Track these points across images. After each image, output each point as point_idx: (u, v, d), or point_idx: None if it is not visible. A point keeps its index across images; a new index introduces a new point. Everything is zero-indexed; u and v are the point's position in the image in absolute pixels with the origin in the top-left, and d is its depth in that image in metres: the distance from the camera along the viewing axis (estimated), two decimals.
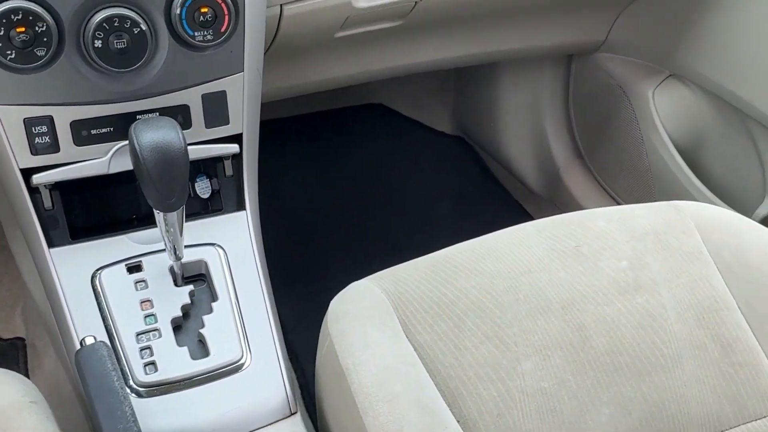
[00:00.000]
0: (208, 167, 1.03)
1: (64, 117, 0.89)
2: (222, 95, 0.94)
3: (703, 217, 0.99)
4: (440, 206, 1.91)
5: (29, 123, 0.88)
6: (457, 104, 2.10)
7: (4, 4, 0.80)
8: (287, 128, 2.03)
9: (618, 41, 1.56)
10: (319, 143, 2.04)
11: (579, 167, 1.81)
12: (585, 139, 1.79)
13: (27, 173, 0.91)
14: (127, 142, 0.85)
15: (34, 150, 0.89)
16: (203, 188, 1.02)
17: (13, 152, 0.89)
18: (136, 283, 0.94)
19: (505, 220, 1.90)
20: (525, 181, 1.90)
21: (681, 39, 1.45)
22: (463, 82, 2.04)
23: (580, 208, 1.74)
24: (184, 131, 0.91)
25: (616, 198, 1.72)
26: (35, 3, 0.81)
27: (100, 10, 0.84)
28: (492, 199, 1.96)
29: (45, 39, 0.82)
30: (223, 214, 1.02)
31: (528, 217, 1.89)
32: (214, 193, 1.03)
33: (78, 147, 0.91)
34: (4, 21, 0.80)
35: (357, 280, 0.93)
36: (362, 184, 1.95)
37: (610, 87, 1.63)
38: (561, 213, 1.78)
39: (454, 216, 1.88)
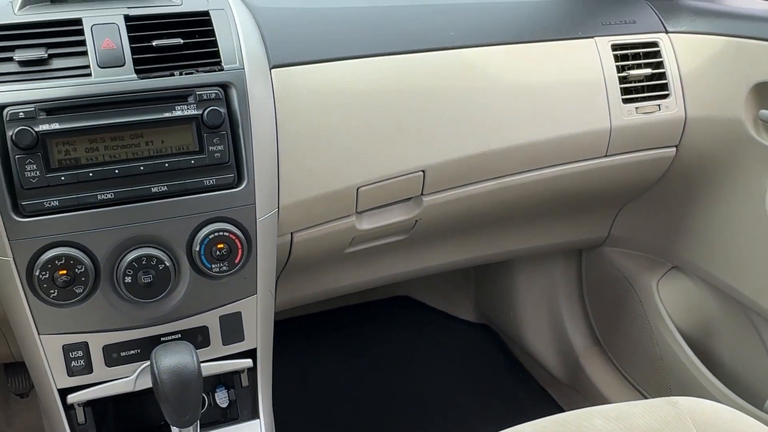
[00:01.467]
0: (227, 378, 1.11)
1: (97, 342, 0.98)
2: (237, 316, 1.03)
3: (701, 413, 1.00)
4: (467, 394, 1.93)
5: (67, 349, 0.97)
6: (479, 294, 2.16)
7: (48, 252, 0.90)
8: (317, 323, 2.11)
9: (620, 236, 1.63)
10: (347, 337, 2.10)
11: (598, 354, 1.83)
12: (601, 327, 1.82)
13: (63, 392, 1.00)
14: None
15: (70, 372, 0.98)
16: (222, 398, 1.11)
17: (52, 375, 0.98)
18: None
19: (530, 408, 1.91)
20: (547, 368, 1.92)
21: (677, 234, 1.51)
22: (482, 274, 2.12)
23: (600, 395, 1.75)
24: (203, 349, 1.01)
25: (635, 385, 1.72)
26: (76, 248, 0.92)
27: (131, 251, 0.95)
28: (517, 386, 1.97)
29: (83, 279, 0.92)
30: (238, 422, 1.09)
31: (552, 403, 1.90)
32: (232, 403, 1.11)
33: (108, 368, 0.99)
34: (49, 266, 0.90)
35: None
36: (390, 375, 1.98)
37: (617, 278, 1.68)
38: (583, 400, 1.77)
39: (480, 404, 1.89)
